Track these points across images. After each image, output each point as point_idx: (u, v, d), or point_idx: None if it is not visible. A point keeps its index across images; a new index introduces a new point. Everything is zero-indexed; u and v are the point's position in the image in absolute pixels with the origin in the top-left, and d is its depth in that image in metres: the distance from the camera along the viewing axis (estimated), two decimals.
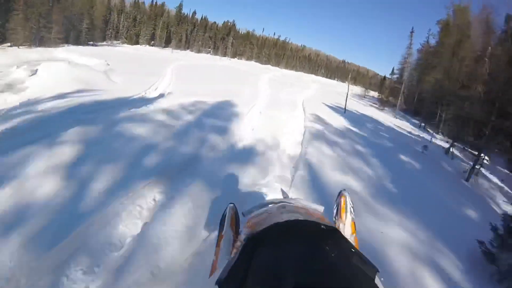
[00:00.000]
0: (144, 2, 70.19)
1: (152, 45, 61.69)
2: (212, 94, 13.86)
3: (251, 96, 17.08)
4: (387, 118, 25.55)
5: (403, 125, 23.89)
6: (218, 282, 0.99)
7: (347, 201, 2.01)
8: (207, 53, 70.63)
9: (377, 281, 1.02)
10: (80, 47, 37.76)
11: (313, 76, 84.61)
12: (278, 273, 0.93)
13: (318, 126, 11.71)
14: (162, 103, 10.62)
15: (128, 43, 58.27)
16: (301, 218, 1.25)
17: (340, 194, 2.11)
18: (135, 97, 12.30)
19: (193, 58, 46.56)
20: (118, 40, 59.03)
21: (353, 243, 1.40)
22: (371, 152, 10.02)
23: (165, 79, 18.50)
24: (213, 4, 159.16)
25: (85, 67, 15.71)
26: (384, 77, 57.76)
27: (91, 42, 45.73)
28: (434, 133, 23.52)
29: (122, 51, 41.10)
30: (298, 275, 0.91)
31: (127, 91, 12.85)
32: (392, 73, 45.15)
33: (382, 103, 36.83)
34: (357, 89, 61.02)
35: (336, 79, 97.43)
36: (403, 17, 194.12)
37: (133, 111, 8.72)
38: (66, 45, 38.77)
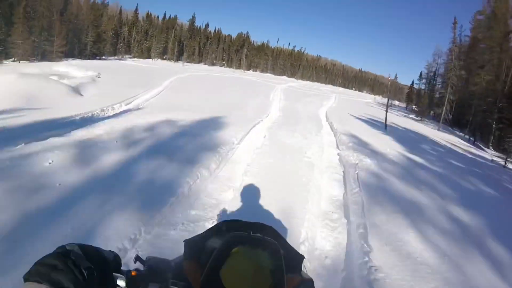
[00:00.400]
0: (158, 16, 67.85)
1: (165, 59, 58.64)
2: (201, 108, 10.41)
3: (258, 109, 13.36)
4: (431, 132, 20.89)
5: (453, 141, 19.18)
6: (185, 240, 1.19)
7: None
8: (221, 65, 67.09)
9: (303, 266, 1.21)
10: (84, 61, 34.51)
11: (330, 86, 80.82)
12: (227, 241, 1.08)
13: (364, 158, 7.24)
14: (106, 125, 6.74)
15: (139, 57, 55.37)
16: None
17: None
18: (84, 115, 8.38)
19: (204, 70, 42.93)
20: (130, 54, 56.28)
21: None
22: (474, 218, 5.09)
23: (153, 91, 14.75)
24: (226, 17, 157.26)
25: (42, 80, 11.89)
26: (412, 84, 51.30)
27: (99, 56, 42.84)
28: (484, 148, 18.90)
29: (129, 64, 37.79)
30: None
31: (84, 107, 9.08)
32: (420, 77, 40.09)
33: (419, 114, 31.19)
34: (378, 98, 56.50)
35: (353, 88, 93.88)
36: (419, 21, 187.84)
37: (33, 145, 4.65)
38: (70, 59, 35.67)
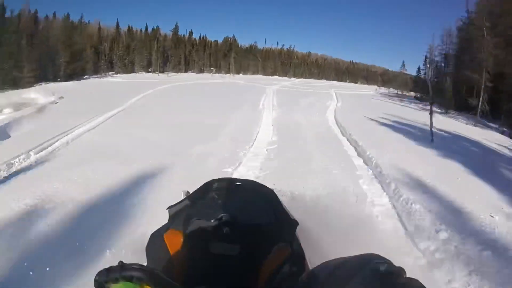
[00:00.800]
0: (141, 30, 64.52)
1: (150, 72, 55.45)
2: (138, 154, 6.68)
3: (240, 133, 9.29)
4: (469, 130, 15.78)
5: (497, 140, 14.41)
6: (169, 207, 1.24)
7: None
8: (210, 72, 63.82)
9: (296, 232, 1.20)
10: (58, 84, 31.08)
11: (324, 80, 77.81)
12: (213, 207, 1.18)
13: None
14: None
15: (123, 73, 52.14)
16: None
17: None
18: None
19: (190, 79, 39.61)
20: (113, 71, 53.13)
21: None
22: None
23: (102, 117, 10.92)
24: (210, 23, 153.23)
25: None
26: (419, 71, 45.38)
27: (78, 77, 39.48)
28: None
29: (105, 82, 34.73)
30: (226, 209, 1.16)
31: None
32: (430, 61, 35.36)
33: (443, 106, 24.91)
34: (379, 89, 53.43)
35: (347, 80, 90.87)
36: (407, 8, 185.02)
37: None
38: (44, 83, 32.31)
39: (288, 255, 1.05)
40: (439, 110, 22.35)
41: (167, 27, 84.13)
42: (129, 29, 61.17)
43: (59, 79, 36.05)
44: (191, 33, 66.75)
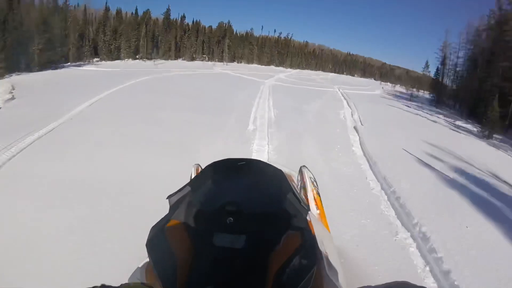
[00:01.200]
0: (132, 13, 59.52)
1: (137, 58, 51.25)
2: None
3: None
4: None
5: None
6: (169, 196, 1.14)
7: (306, 176, 2.04)
8: (202, 60, 59.75)
9: (308, 217, 1.12)
10: (30, 74, 27.27)
11: (321, 72, 74.85)
12: (215, 194, 1.11)
13: None
14: None
15: (108, 59, 48.04)
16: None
17: (300, 171, 2.17)
18: None
19: (178, 69, 35.64)
20: (97, 57, 48.92)
21: (317, 219, 1.59)
22: None
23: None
24: (205, 7, 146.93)
25: None
26: (437, 71, 38.13)
27: (56, 65, 35.24)
28: None
29: (82, 72, 31.20)
30: (229, 196, 1.08)
31: None
32: (443, 64, 31.83)
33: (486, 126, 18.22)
34: (386, 87, 50.05)
35: (344, 73, 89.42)
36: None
37: None
38: (15, 73, 27.97)
39: (299, 245, 0.95)
40: (475, 130, 18.06)
41: (158, 11, 79.19)
42: (118, 12, 56.60)
43: (33, 69, 32.03)
44: (183, 17, 62.10)
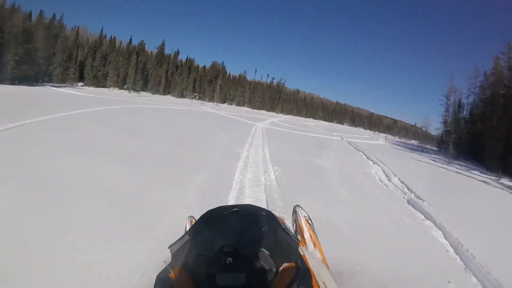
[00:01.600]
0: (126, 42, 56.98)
1: (125, 89, 48.02)
2: None
3: None
4: None
5: None
6: (170, 246, 1.21)
7: (300, 216, 2.07)
8: (192, 98, 56.88)
9: (300, 250, 1.24)
10: None
11: (312, 120, 73.34)
12: (213, 238, 1.12)
13: None
14: None
15: (92, 85, 44.77)
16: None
17: (294, 211, 2.21)
18: None
19: (161, 102, 32.40)
20: (82, 82, 45.81)
21: (319, 256, 1.79)
22: None
23: None
24: (199, 46, 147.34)
25: None
26: (445, 123, 33.46)
27: (33, 82, 31.64)
28: None
29: (54, 92, 26.89)
30: (226, 239, 1.10)
31: None
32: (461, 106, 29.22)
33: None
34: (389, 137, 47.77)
35: (334, 121, 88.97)
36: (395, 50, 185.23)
37: None
38: None
39: (295, 274, 1.04)
40: (489, 176, 14.99)
41: (153, 44, 77.45)
42: (112, 39, 54.20)
43: (10, 82, 28.34)
44: (177, 53, 60.03)
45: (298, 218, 2.11)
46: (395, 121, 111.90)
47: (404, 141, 45.84)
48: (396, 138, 52.96)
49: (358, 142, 22.77)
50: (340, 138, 25.60)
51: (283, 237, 1.18)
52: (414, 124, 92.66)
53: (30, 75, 32.19)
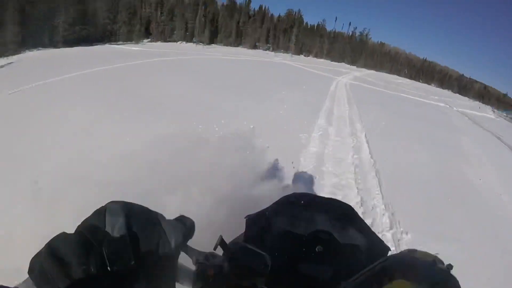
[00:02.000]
0: None
1: (194, 42, 44.76)
2: None
3: None
4: None
5: None
6: (247, 216, 1.05)
7: None
8: (265, 49, 51.89)
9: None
10: (47, 51, 21.71)
11: (396, 76, 65.33)
12: (305, 220, 1.01)
13: None
14: None
15: (160, 41, 42.12)
16: None
17: None
18: None
19: (230, 54, 28.14)
20: (149, 38, 43.29)
21: None
22: None
23: None
24: None
25: None
26: None
27: (89, 42, 29.21)
28: None
29: (109, 49, 25.64)
30: (322, 224, 1.00)
31: None
32: None
33: None
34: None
35: (420, 80, 78.02)
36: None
37: None
38: (34, 49, 21.98)
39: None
40: None
41: None
42: None
43: (64, 44, 26.06)
44: (249, 1, 54.22)
45: None
46: (485, 87, 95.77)
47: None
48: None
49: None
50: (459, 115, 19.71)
51: (374, 239, 1.02)
52: (505, 94, 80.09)
53: (86, 35, 29.51)
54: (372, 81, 27.37)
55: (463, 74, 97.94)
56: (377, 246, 1.01)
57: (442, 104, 22.09)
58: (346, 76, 24.87)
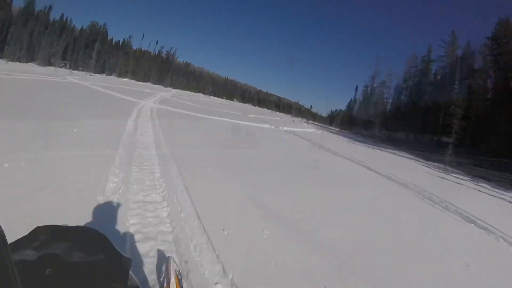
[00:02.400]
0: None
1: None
2: None
3: None
4: None
5: None
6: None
7: (172, 269, 1.82)
8: (62, 67, 46.99)
9: (130, 272, 1.06)
10: None
11: (201, 95, 69.95)
12: (37, 250, 0.98)
13: None
14: None
15: None
16: None
17: (167, 262, 1.93)
18: None
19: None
20: None
21: None
22: None
23: None
24: (76, 2, 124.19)
25: None
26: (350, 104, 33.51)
27: None
28: None
29: None
30: (53, 247, 1.00)
31: None
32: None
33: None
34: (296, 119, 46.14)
35: (223, 97, 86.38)
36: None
37: None
38: None
39: None
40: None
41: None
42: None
43: None
44: (49, 9, 48.54)
45: (169, 270, 1.77)
46: (280, 98, 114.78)
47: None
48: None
49: (299, 132, 20.25)
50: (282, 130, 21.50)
51: (113, 255, 1.04)
52: (297, 102, 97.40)
53: None
54: (185, 103, 27.97)
55: (261, 89, 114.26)
56: (118, 260, 1.04)
57: (267, 126, 22.73)
58: (151, 99, 23.63)
